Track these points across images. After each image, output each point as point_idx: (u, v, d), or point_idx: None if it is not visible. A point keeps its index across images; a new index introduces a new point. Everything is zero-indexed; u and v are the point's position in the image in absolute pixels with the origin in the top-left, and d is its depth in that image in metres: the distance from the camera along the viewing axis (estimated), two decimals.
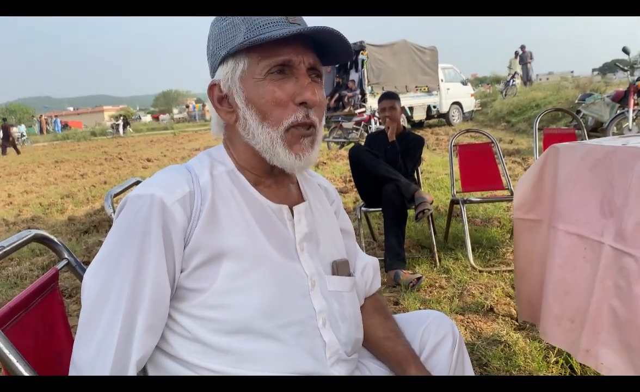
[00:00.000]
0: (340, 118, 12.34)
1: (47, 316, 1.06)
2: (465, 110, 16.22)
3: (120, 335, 0.80)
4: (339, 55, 0.98)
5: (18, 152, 20.05)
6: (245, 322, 0.85)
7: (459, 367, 1.09)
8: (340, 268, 1.05)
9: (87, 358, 0.80)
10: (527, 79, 19.28)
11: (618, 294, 1.36)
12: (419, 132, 3.81)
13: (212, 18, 0.98)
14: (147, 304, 0.82)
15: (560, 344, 1.58)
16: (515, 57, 19.48)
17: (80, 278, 1.25)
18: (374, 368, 1.09)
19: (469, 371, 1.12)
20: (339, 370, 0.95)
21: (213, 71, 0.97)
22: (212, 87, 0.96)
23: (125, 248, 0.83)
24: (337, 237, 1.11)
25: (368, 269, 1.19)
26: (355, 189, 4.01)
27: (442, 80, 15.49)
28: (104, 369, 0.79)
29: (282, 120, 0.91)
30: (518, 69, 19.27)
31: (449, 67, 16.27)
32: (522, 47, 19.18)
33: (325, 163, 8.56)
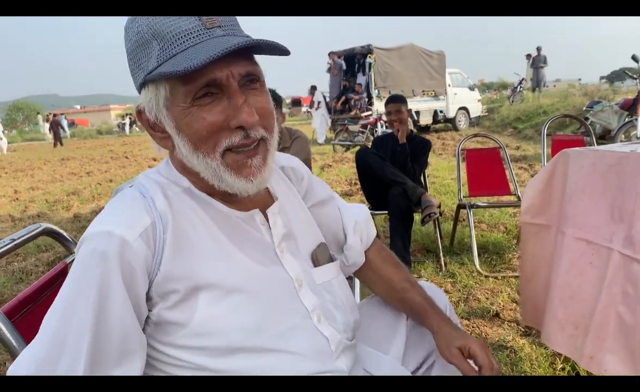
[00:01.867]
0: (346, 121, 12.34)
1: None
2: (472, 115, 16.16)
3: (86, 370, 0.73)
4: (273, 50, 0.84)
5: (61, 144, 21.81)
6: (237, 343, 0.81)
7: None
8: (320, 256, 1.01)
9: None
10: (537, 85, 17.60)
11: (625, 301, 1.35)
12: (425, 137, 3.79)
13: None
14: (114, 350, 0.75)
15: (563, 349, 1.57)
16: (528, 59, 18.17)
17: None
18: (373, 354, 1.09)
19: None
20: (345, 361, 0.94)
21: (138, 91, 0.86)
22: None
23: (82, 295, 0.74)
24: (310, 223, 1.06)
25: (359, 224, 1.16)
26: (361, 192, 4.01)
27: (449, 85, 15.45)
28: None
29: (217, 147, 0.81)
30: (529, 72, 18.09)
31: (456, 72, 16.22)
32: (538, 49, 17.63)
33: (330, 166, 8.56)
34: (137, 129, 34.11)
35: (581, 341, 1.47)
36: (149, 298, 0.80)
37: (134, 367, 0.78)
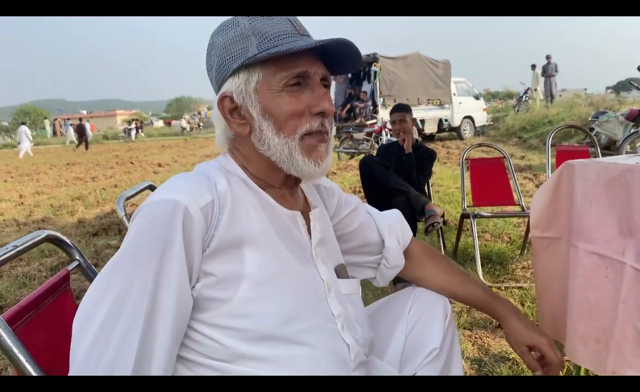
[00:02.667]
0: (351, 128, 12.35)
1: (58, 317, 1.06)
2: (477, 124, 16.16)
3: (139, 351, 0.75)
4: (346, 66, 1.00)
5: (86, 147, 22.49)
6: (270, 330, 0.85)
7: (450, 334, 1.18)
8: (342, 272, 1.07)
9: (99, 374, 0.74)
10: (549, 95, 17.25)
11: None
12: (430, 145, 3.79)
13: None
14: (170, 317, 0.78)
15: (588, 364, 1.55)
16: (533, 70, 18.05)
17: (91, 280, 1.26)
18: (382, 368, 1.13)
19: (457, 339, 1.23)
20: (360, 374, 0.97)
21: (219, 83, 0.96)
22: (223, 99, 0.95)
23: (145, 256, 0.78)
24: (336, 243, 1.14)
25: (393, 227, 1.25)
26: (365, 200, 4.00)
27: (454, 94, 15.47)
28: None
29: (298, 129, 0.92)
30: (540, 82, 17.83)
31: (462, 81, 16.24)
32: (548, 57, 17.33)
33: (335, 173, 8.57)
34: (142, 135, 34.30)
35: (604, 356, 1.46)
36: (194, 272, 0.84)
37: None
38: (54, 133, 41.42)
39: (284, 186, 1.00)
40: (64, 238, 1.21)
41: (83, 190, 8.49)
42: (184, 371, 0.85)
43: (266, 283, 0.87)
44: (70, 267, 1.19)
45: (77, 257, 1.24)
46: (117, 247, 4.44)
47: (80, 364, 0.74)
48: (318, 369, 0.87)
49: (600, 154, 3.75)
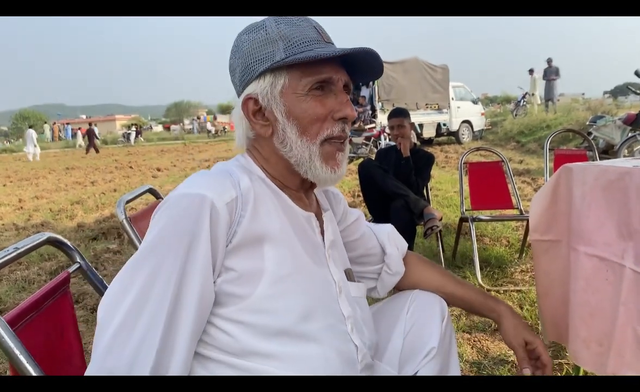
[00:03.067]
0: (350, 133, 12.36)
1: (57, 319, 1.06)
2: (475, 129, 16.20)
3: (162, 341, 0.76)
4: (366, 74, 1.03)
5: (97, 151, 22.79)
6: (286, 326, 0.86)
7: (447, 334, 1.20)
8: (351, 275, 1.10)
9: (122, 363, 0.75)
10: (549, 98, 16.67)
11: None
12: (429, 149, 3.80)
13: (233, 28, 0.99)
14: (193, 309, 0.80)
15: (591, 367, 1.56)
16: (531, 74, 17.84)
17: (92, 283, 1.26)
18: (382, 368, 1.15)
19: (454, 339, 1.26)
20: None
21: (243, 85, 0.97)
22: (247, 100, 0.96)
23: (172, 247, 0.80)
24: (343, 247, 1.16)
25: (391, 235, 1.30)
26: (364, 204, 4.01)
27: (452, 99, 15.51)
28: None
29: (320, 133, 0.95)
30: (538, 86, 17.54)
31: (460, 86, 16.29)
32: (549, 61, 16.66)
33: None
34: (142, 139, 34.30)
35: (606, 358, 1.46)
36: (217, 267, 0.85)
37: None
38: (53, 138, 41.42)
39: (300, 189, 1.03)
40: (65, 240, 1.22)
41: (82, 195, 8.49)
42: (194, 364, 0.86)
43: (283, 280, 0.88)
44: (71, 270, 1.20)
45: (78, 260, 1.24)
46: (116, 252, 4.44)
47: (102, 352, 0.76)
48: (327, 368, 0.88)
49: (598, 158, 3.76)
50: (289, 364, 0.85)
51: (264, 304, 0.85)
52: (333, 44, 0.98)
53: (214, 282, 0.84)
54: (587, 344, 1.54)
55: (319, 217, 1.07)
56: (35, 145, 20.71)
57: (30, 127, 25.13)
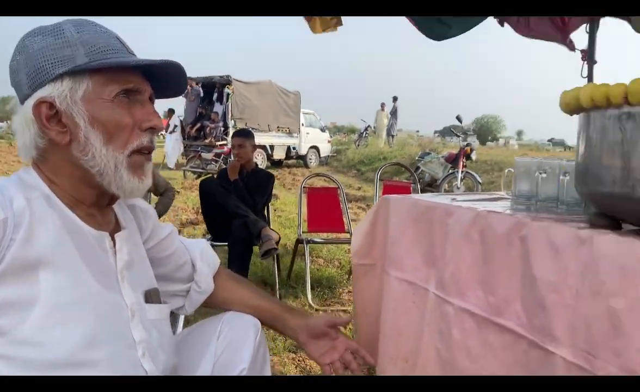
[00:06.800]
0: (200, 148, 12.14)
1: None
2: (322, 154, 17.07)
3: None
4: (170, 90, 1.03)
5: None
6: (66, 356, 0.81)
7: (260, 353, 1.24)
8: (153, 296, 1.06)
9: None
10: (389, 133, 18.24)
11: (441, 338, 1.50)
12: (278, 171, 3.93)
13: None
14: None
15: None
16: (382, 110, 18.96)
17: None
18: None
19: (268, 357, 1.31)
20: None
21: (33, 88, 0.89)
22: (40, 104, 0.88)
23: None
24: (148, 266, 1.11)
25: (205, 252, 1.30)
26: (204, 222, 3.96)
27: (302, 124, 16.18)
28: None
29: (128, 144, 0.92)
30: (386, 121, 18.61)
31: (310, 113, 17.08)
32: (394, 99, 18.18)
33: (179, 192, 8.28)
34: None
35: (411, 373, 1.61)
36: None
37: None
38: None
39: (94, 205, 0.96)
40: None
41: None
42: None
43: (63, 308, 0.82)
44: None
45: None
46: None
47: None
48: None
49: (420, 191, 4.26)
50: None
51: (36, 336, 0.79)
52: (136, 56, 0.97)
53: None
54: (394, 361, 1.71)
55: (113, 236, 1.01)
56: None
57: None
